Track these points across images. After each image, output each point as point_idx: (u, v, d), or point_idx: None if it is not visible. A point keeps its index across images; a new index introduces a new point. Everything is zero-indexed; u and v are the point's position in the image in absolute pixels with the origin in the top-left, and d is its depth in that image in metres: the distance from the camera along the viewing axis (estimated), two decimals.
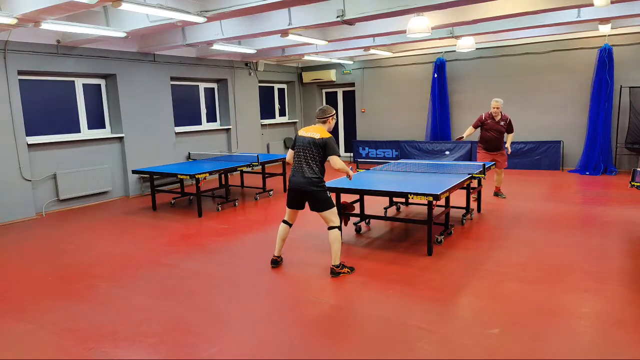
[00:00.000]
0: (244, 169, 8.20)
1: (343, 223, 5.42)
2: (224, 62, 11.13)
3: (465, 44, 8.98)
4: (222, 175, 8.62)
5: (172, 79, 9.93)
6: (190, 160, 10.14)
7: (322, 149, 4.41)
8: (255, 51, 9.54)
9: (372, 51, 10.92)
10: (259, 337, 3.43)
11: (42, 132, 7.97)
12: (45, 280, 4.70)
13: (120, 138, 8.92)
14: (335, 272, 4.47)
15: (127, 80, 8.86)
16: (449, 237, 5.62)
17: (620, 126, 9.86)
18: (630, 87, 9.65)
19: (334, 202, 4.52)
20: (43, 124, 7.98)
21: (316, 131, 4.47)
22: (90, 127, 8.69)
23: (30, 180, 7.57)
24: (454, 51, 11.16)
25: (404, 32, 7.21)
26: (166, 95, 9.69)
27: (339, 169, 4.47)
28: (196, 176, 7.05)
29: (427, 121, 12.10)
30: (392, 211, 6.99)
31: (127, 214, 7.62)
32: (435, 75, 11.69)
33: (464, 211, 6.52)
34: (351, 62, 13.08)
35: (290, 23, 6.95)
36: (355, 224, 6.09)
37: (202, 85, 11.09)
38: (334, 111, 4.63)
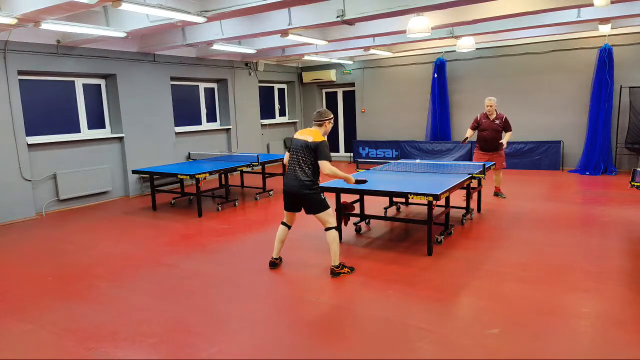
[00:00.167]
0: (244, 169, 8.20)
1: (343, 223, 5.43)
2: (224, 62, 11.13)
3: (465, 44, 8.98)
4: (222, 175, 8.63)
5: (172, 79, 9.93)
6: (190, 160, 10.14)
7: (314, 152, 4.35)
8: (255, 51, 9.54)
9: (372, 51, 10.92)
10: (259, 337, 3.43)
11: (42, 132, 7.97)
12: (45, 280, 4.70)
13: (120, 138, 8.92)
14: (335, 272, 4.47)
15: (127, 80, 8.86)
16: (449, 237, 5.62)
17: (620, 126, 9.86)
18: (630, 87, 9.65)
19: (329, 203, 4.49)
20: (43, 124, 7.98)
21: (310, 134, 4.43)
22: (90, 127, 8.69)
23: (30, 180, 7.57)
24: (454, 51, 11.16)
25: (404, 32, 7.21)
26: (166, 95, 9.69)
27: (328, 174, 4.37)
28: (196, 176, 7.05)
29: (427, 121, 12.10)
30: (392, 211, 6.99)
31: (127, 214, 7.62)
32: (435, 75, 11.69)
33: (464, 211, 6.53)
34: (351, 62, 13.08)
35: (290, 23, 6.95)
36: (355, 224, 6.09)
37: (202, 85, 11.09)
38: (332, 115, 4.58)
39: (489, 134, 7.37)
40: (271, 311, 3.88)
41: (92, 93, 8.74)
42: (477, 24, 7.81)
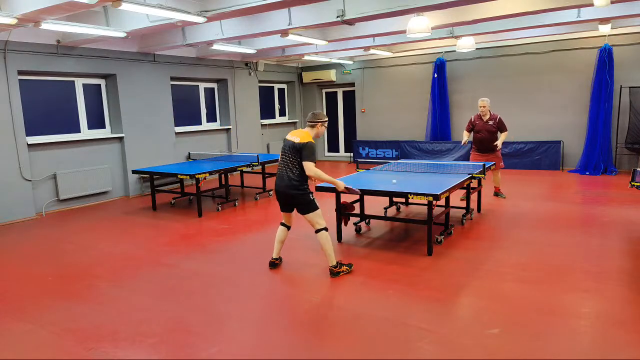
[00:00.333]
0: (244, 169, 8.20)
1: (343, 223, 5.43)
2: (224, 62, 11.13)
3: (465, 44, 8.98)
4: (222, 175, 8.63)
5: (172, 79, 9.93)
6: (190, 160, 10.14)
7: (299, 153, 4.35)
8: (255, 51, 9.54)
9: (372, 51, 10.93)
10: (259, 337, 3.43)
11: (42, 132, 7.97)
12: (45, 280, 4.70)
13: (120, 138, 8.92)
14: (334, 272, 4.47)
15: (127, 80, 8.86)
16: (449, 237, 5.62)
17: (620, 126, 9.86)
18: (630, 87, 9.65)
19: (318, 204, 4.49)
20: (43, 124, 7.98)
21: (299, 135, 4.43)
22: (90, 127, 8.69)
23: (30, 180, 7.57)
24: (454, 51, 11.16)
25: (404, 32, 7.21)
26: (166, 95, 9.70)
27: (311, 176, 4.35)
28: (196, 176, 7.05)
29: (427, 121, 12.10)
30: (392, 211, 6.99)
31: (127, 214, 7.62)
32: (435, 75, 11.69)
33: (464, 211, 6.52)
34: (351, 62, 13.08)
35: (290, 23, 6.95)
36: (355, 224, 6.09)
37: (202, 85, 11.09)
38: (325, 118, 4.57)
39: (484, 135, 7.34)
40: (271, 311, 3.88)
41: (92, 93, 8.74)
42: (477, 24, 7.81)
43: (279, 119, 13.73)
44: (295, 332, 3.48)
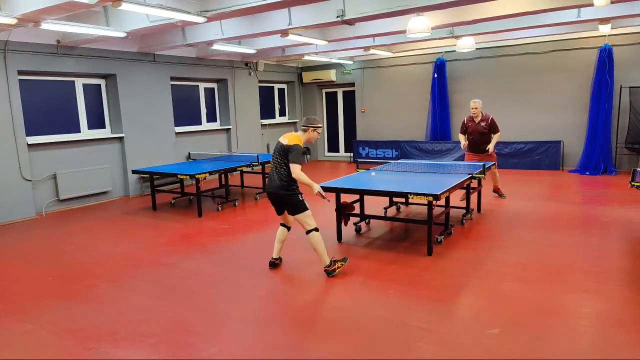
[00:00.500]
0: (244, 169, 8.20)
1: (343, 223, 5.43)
2: (224, 62, 11.13)
3: (465, 44, 8.98)
4: (222, 175, 8.63)
5: (172, 79, 9.93)
6: (190, 160, 10.14)
7: (285, 154, 4.37)
8: (255, 51, 9.54)
9: (372, 51, 10.92)
10: (259, 337, 3.43)
11: (42, 132, 7.97)
12: (45, 280, 4.70)
13: (120, 138, 8.92)
14: (329, 271, 4.47)
15: (127, 80, 8.86)
16: (449, 237, 5.62)
17: (620, 126, 9.86)
18: (630, 87, 9.65)
19: (307, 205, 4.49)
20: (43, 124, 7.98)
21: (288, 137, 4.46)
22: (90, 127, 8.69)
23: (30, 180, 7.57)
24: (454, 51, 11.16)
25: (404, 32, 7.21)
26: (166, 95, 9.70)
27: (298, 178, 4.34)
28: (196, 176, 7.05)
29: (427, 121, 12.10)
30: (392, 211, 6.99)
31: (127, 214, 7.62)
32: (435, 75, 11.69)
33: (464, 211, 6.53)
34: (351, 62, 13.08)
35: (290, 23, 6.95)
36: (355, 224, 6.09)
37: (202, 85, 11.09)
38: (320, 124, 4.59)
39: (476, 137, 7.29)
40: (271, 311, 3.88)
41: (92, 93, 8.74)
42: (477, 24, 7.81)
43: (279, 119, 13.73)
44: (295, 332, 3.48)
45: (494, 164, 7.14)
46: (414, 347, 3.17)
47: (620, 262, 4.62)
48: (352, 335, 3.37)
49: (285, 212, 4.67)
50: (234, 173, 10.76)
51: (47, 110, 8.06)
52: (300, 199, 4.45)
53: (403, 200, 7.00)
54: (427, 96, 12.02)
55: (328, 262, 4.49)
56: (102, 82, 8.85)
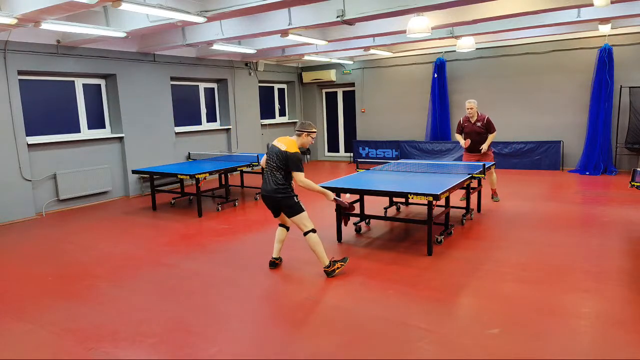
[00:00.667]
0: (244, 169, 8.20)
1: (343, 223, 5.43)
2: (224, 62, 11.13)
3: (465, 44, 8.98)
4: (222, 175, 8.63)
5: (172, 79, 9.93)
6: (190, 160, 10.14)
7: (285, 161, 4.39)
8: (255, 51, 9.54)
9: (372, 51, 10.92)
10: (259, 337, 3.43)
11: (42, 132, 7.97)
12: (45, 280, 4.70)
13: (120, 138, 8.92)
14: (328, 272, 4.47)
15: (127, 80, 8.86)
16: (449, 237, 5.62)
17: (620, 126, 9.86)
18: (630, 87, 9.65)
19: (303, 207, 4.49)
20: (43, 124, 7.98)
21: (285, 143, 4.46)
22: (90, 127, 8.69)
23: (30, 180, 7.57)
24: (454, 51, 11.16)
25: (404, 32, 7.21)
26: (166, 95, 9.70)
27: (304, 187, 4.40)
28: (196, 176, 7.05)
29: (427, 121, 12.10)
30: (392, 211, 6.99)
31: (127, 214, 7.62)
32: (435, 75, 11.69)
33: (464, 211, 6.52)
34: (351, 62, 13.08)
35: (290, 23, 6.95)
36: (355, 224, 6.09)
37: (202, 85, 11.09)
38: (315, 129, 4.59)
39: (473, 137, 7.25)
40: (271, 311, 3.89)
41: (92, 93, 8.74)
42: (477, 24, 7.81)
43: (279, 119, 13.73)
44: (294, 332, 3.47)
45: (493, 164, 7.12)
46: (414, 347, 3.17)
47: (620, 262, 4.62)
48: (352, 335, 3.37)
49: (279, 215, 4.69)
50: (234, 173, 10.76)
51: (47, 110, 8.07)
52: (296, 200, 4.45)
53: (403, 200, 7.00)
54: (427, 96, 12.02)
55: (327, 263, 4.49)
56: (102, 82, 8.85)
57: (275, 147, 4.50)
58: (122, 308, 3.97)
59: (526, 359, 2.98)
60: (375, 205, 6.82)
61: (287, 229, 4.83)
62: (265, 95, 13.14)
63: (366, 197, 6.09)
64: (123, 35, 6.90)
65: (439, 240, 5.39)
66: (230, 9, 5.80)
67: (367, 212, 6.15)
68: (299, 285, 4.42)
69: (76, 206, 8.29)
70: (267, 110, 13.20)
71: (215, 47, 8.77)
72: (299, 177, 4.37)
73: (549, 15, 7.37)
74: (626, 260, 4.69)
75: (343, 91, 14.01)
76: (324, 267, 4.48)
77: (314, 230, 4.47)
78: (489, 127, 7.23)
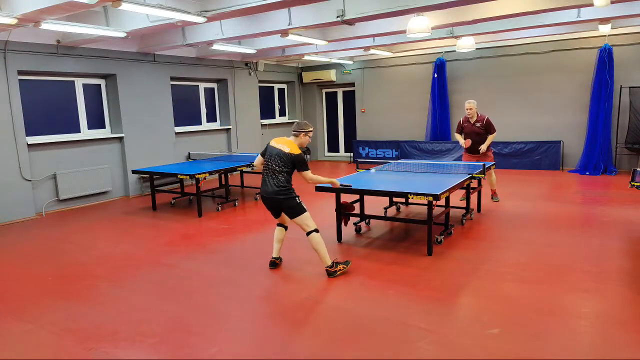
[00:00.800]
0: (244, 169, 8.20)
1: (343, 223, 5.43)
2: (224, 62, 11.13)
3: (465, 44, 8.98)
4: (222, 175, 8.62)
5: (172, 79, 9.93)
6: (190, 160, 10.14)
7: (290, 163, 4.41)
8: (255, 51, 9.54)
9: (372, 51, 10.93)
10: (259, 337, 3.44)
11: (42, 132, 7.97)
12: (45, 280, 4.70)
13: (120, 138, 8.92)
14: (330, 272, 4.47)
15: (127, 80, 8.86)
16: (449, 237, 5.62)
17: (620, 126, 9.86)
18: (630, 87, 9.65)
19: (305, 207, 4.50)
20: (43, 124, 7.98)
21: (286, 144, 4.47)
22: (90, 127, 8.69)
23: (30, 180, 7.57)
24: (454, 51, 11.16)
25: (404, 32, 7.21)
26: (166, 95, 9.70)
27: (314, 182, 4.50)
28: (196, 176, 7.05)
29: (427, 121, 12.10)
30: (392, 211, 6.99)
31: (127, 214, 7.62)
32: (435, 75, 11.69)
33: (464, 211, 6.52)
34: (351, 62, 13.08)
35: (290, 23, 6.95)
36: (355, 224, 6.09)
37: (202, 85, 11.09)
38: (311, 128, 4.61)
39: (472, 138, 7.24)
40: (271, 311, 3.89)
41: (92, 93, 8.74)
42: (477, 24, 7.81)
43: (279, 119, 13.73)
44: (294, 332, 3.48)
45: (493, 164, 7.12)
46: (414, 347, 3.17)
47: (620, 262, 4.62)
48: (352, 335, 3.37)
49: (279, 216, 4.69)
50: (234, 173, 10.76)
51: (47, 110, 8.06)
52: (298, 201, 4.45)
53: (403, 200, 7.00)
54: (427, 96, 12.02)
55: (330, 263, 4.49)
56: (102, 82, 8.85)
57: (275, 149, 4.49)
58: (122, 308, 3.97)
59: (526, 359, 2.98)
60: (375, 205, 6.81)
61: (286, 228, 4.83)
62: (265, 95, 13.14)
63: (366, 197, 6.09)
64: (123, 35, 6.90)
65: (439, 240, 5.39)
66: (230, 9, 5.80)
67: (367, 212, 6.15)
68: (299, 285, 4.41)
69: (76, 206, 8.29)
70: (267, 110, 13.20)
71: (215, 47, 8.77)
72: (307, 175, 4.43)
73: (549, 15, 7.37)
74: (626, 260, 4.69)
75: (343, 91, 14.01)
76: (326, 267, 4.48)
77: (316, 230, 4.47)
78: (488, 128, 7.22)
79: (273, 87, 13.55)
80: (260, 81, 12.49)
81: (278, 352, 3.18)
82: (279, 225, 4.81)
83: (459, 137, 7.51)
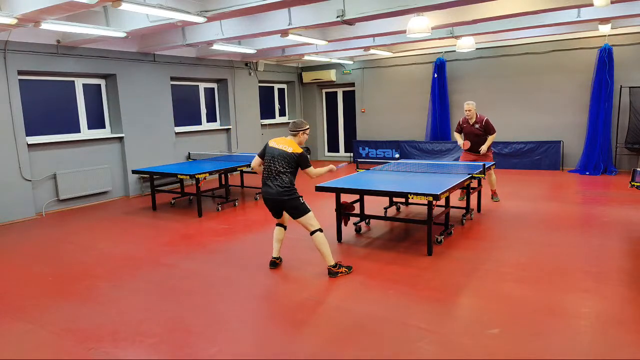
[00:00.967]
0: (244, 169, 8.20)
1: (343, 223, 5.43)
2: (224, 62, 11.13)
3: (465, 44, 8.98)
4: (222, 175, 8.63)
5: (172, 79, 9.93)
6: (190, 160, 10.14)
7: (294, 162, 4.43)
8: (255, 51, 9.54)
9: (372, 51, 10.93)
10: (259, 337, 3.44)
11: (42, 132, 7.97)
12: (45, 280, 4.70)
13: (120, 138, 8.92)
14: (332, 272, 4.47)
15: (127, 80, 8.86)
16: (449, 237, 5.62)
17: (620, 126, 9.86)
18: (630, 87, 9.65)
19: (309, 207, 4.50)
20: (43, 124, 7.98)
21: (288, 144, 4.48)
22: (90, 127, 8.69)
23: (30, 180, 7.57)
24: (454, 51, 11.16)
25: (404, 32, 7.21)
26: (166, 95, 9.70)
27: (317, 176, 4.57)
28: (196, 176, 7.05)
29: (427, 121, 12.10)
30: (392, 211, 6.99)
31: (127, 214, 7.62)
32: (435, 75, 11.69)
33: (464, 211, 6.52)
34: (351, 62, 13.08)
35: (290, 23, 6.95)
36: (355, 224, 6.09)
37: (202, 85, 11.09)
38: (308, 126, 4.65)
39: (471, 138, 7.25)
40: (271, 311, 3.89)
41: (92, 93, 8.74)
42: (477, 24, 7.81)
43: (279, 119, 13.73)
44: (294, 332, 3.47)
45: (493, 164, 7.12)
46: (414, 347, 3.17)
47: (620, 262, 4.62)
48: (352, 335, 3.37)
49: (280, 216, 4.70)
50: (234, 173, 10.76)
51: (47, 110, 8.06)
52: (302, 201, 4.46)
53: (403, 200, 7.00)
54: (427, 96, 12.02)
55: (333, 263, 4.49)
56: (102, 82, 8.85)
57: (277, 150, 4.48)
58: (122, 308, 3.97)
59: (526, 359, 2.98)
60: (375, 205, 6.81)
61: (285, 228, 4.83)
62: (265, 95, 13.14)
63: (366, 197, 6.09)
64: (123, 35, 6.90)
65: (439, 240, 5.39)
66: (230, 9, 5.80)
67: (367, 212, 6.15)
68: (298, 285, 4.41)
69: (76, 206, 8.29)
70: (267, 110, 13.19)
71: (215, 47, 8.77)
72: (312, 171, 4.50)
73: (549, 15, 7.37)
74: (626, 260, 4.69)
75: (343, 91, 14.01)
76: (329, 266, 4.49)
77: (320, 230, 4.47)
78: (487, 129, 7.22)
79: (273, 87, 13.55)
80: (260, 81, 12.49)
81: (278, 352, 3.18)
82: (279, 225, 4.81)
83: (458, 137, 7.52)
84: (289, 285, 4.47)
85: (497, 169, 8.21)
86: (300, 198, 4.46)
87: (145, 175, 8.82)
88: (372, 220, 6.42)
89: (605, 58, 9.63)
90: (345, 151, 14.13)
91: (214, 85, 11.43)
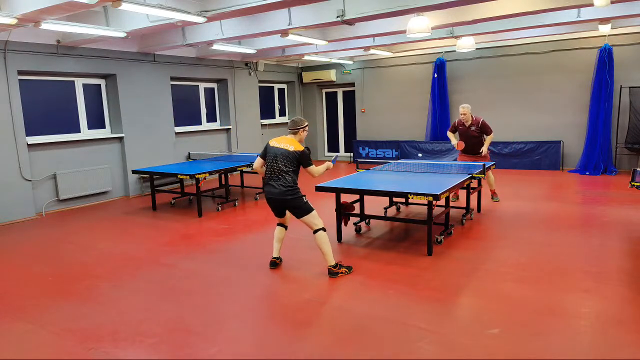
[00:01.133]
0: (244, 169, 8.20)
1: (343, 223, 5.43)
2: (224, 62, 11.13)
3: (465, 44, 8.98)
4: (222, 175, 8.63)
5: (172, 79, 9.93)
6: (190, 160, 10.14)
7: (296, 161, 4.44)
8: (255, 51, 9.54)
9: (372, 51, 10.93)
10: (259, 337, 3.44)
11: (42, 132, 7.97)
12: (45, 280, 4.70)
13: (120, 138, 8.92)
14: (332, 272, 4.47)
15: (127, 80, 8.86)
16: (449, 237, 5.62)
17: (620, 126, 9.86)
18: (630, 87, 9.65)
19: (312, 206, 4.51)
20: (43, 124, 7.98)
21: (289, 143, 4.48)
22: (90, 127, 8.69)
23: (30, 180, 7.57)
24: (454, 51, 11.16)
25: (404, 32, 7.21)
26: (166, 95, 9.70)
27: (319, 174, 4.55)
28: (196, 176, 7.05)
29: (427, 121, 12.10)
30: (392, 211, 6.99)
31: (127, 214, 7.62)
32: (435, 75, 11.69)
33: (464, 211, 6.52)
34: (351, 62, 13.08)
35: (290, 23, 6.95)
36: (355, 224, 6.09)
37: (202, 85, 11.09)
38: (306, 123, 4.66)
39: (468, 140, 7.24)
40: (271, 311, 3.89)
41: (92, 93, 8.74)
42: (477, 24, 7.81)
43: (279, 119, 13.73)
44: (294, 332, 3.47)
45: (493, 164, 7.11)
46: (414, 347, 3.17)
47: (620, 262, 4.62)
48: (352, 335, 3.37)
49: (282, 215, 4.70)
50: (234, 173, 10.76)
51: (47, 110, 8.06)
52: (305, 200, 4.46)
53: (403, 200, 7.00)
54: (427, 96, 12.02)
55: (334, 263, 4.49)
56: (102, 82, 8.85)
57: (279, 149, 4.48)
58: (122, 308, 3.97)
59: (526, 359, 2.98)
60: (375, 205, 6.81)
61: (286, 227, 4.83)
62: (265, 95, 13.14)
63: (366, 197, 6.09)
64: (123, 35, 6.90)
65: (439, 240, 5.39)
66: (230, 9, 5.80)
67: (367, 212, 6.15)
68: (299, 285, 4.41)
69: (76, 206, 8.29)
70: (267, 110, 13.19)
71: (215, 47, 8.77)
72: (313, 169, 4.48)
73: (549, 15, 7.37)
74: (626, 260, 4.69)
75: (343, 91, 14.01)
76: (330, 266, 4.49)
77: (323, 229, 4.48)
78: (484, 130, 7.21)
79: (273, 87, 13.55)
80: (260, 81, 12.49)
81: (278, 352, 3.18)
82: (279, 224, 4.81)
83: (452, 137, 7.52)
84: (289, 285, 4.47)
85: (497, 169, 8.21)
86: (304, 197, 4.47)
87: (145, 175, 8.82)
88: (372, 220, 6.42)
89: (605, 58, 9.63)
90: (346, 151, 14.13)
91: (214, 85, 11.43)
